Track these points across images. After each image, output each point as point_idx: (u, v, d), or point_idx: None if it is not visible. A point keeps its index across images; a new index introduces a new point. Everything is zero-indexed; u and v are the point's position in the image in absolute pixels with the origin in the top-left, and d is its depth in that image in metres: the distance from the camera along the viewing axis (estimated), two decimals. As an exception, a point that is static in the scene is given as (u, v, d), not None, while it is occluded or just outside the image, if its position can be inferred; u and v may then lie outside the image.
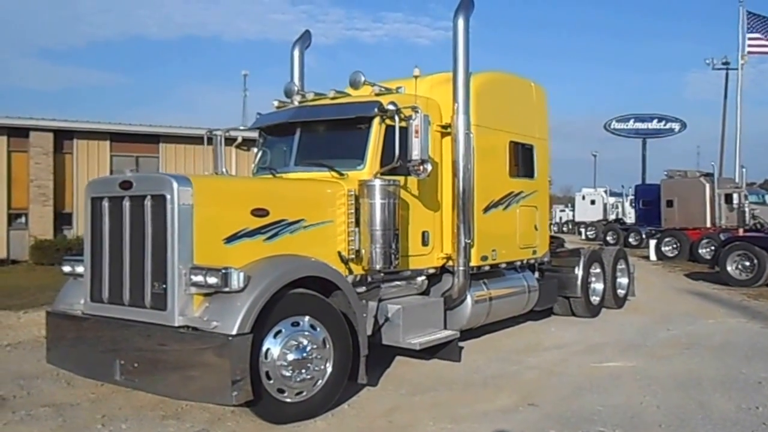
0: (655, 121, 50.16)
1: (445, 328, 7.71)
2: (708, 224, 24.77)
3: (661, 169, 40.20)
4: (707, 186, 25.27)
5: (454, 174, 7.76)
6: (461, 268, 7.78)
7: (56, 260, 17.00)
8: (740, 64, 35.51)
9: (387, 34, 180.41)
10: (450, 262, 7.91)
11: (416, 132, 6.70)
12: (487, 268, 8.45)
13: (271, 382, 5.49)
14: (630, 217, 39.17)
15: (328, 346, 5.88)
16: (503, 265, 8.90)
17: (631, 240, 31.23)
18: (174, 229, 5.47)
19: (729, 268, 16.37)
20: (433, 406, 6.24)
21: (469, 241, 7.78)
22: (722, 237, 21.34)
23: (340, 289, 6.21)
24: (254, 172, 8.14)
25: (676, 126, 50.41)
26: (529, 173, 9.47)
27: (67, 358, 6.30)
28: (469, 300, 8.07)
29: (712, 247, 22.05)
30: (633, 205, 36.26)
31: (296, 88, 8.09)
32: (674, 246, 24.59)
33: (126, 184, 5.82)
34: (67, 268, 6.63)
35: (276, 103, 8.27)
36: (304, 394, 5.70)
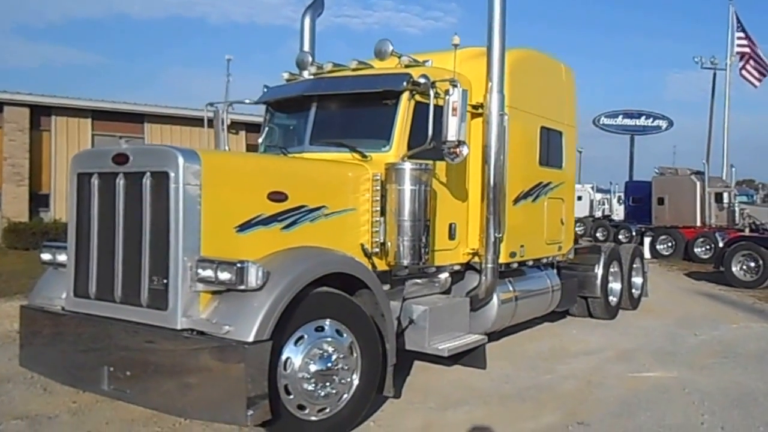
0: (643, 117, 49.52)
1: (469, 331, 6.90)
2: (698, 223, 24.31)
3: (644, 166, 39.83)
4: (698, 184, 24.79)
5: (485, 160, 6.91)
6: (490, 265, 6.93)
7: (31, 244, 15.95)
8: (728, 64, 35.00)
9: (377, 22, 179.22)
10: (476, 259, 7.09)
11: (454, 110, 5.85)
12: (515, 265, 7.66)
13: (291, 397, 4.65)
14: (618, 214, 38.69)
15: (355, 354, 5.04)
16: (530, 263, 8.11)
17: (621, 237, 30.54)
18: (178, 214, 4.58)
19: (734, 269, 15.89)
20: (470, 423, 5.45)
21: (499, 235, 6.94)
22: (718, 236, 21.10)
23: (366, 288, 5.37)
24: (261, 151, 7.23)
25: (663, 123, 49.82)
26: (557, 162, 8.65)
27: (44, 361, 5.35)
28: (495, 300, 7.27)
29: (707, 247, 21.81)
30: (621, 201, 35.75)
31: (310, 59, 7.15)
32: (669, 244, 24.07)
33: (121, 158, 4.87)
34: (46, 256, 5.64)
35: (286, 76, 7.32)
36: (328, 411, 4.86)
